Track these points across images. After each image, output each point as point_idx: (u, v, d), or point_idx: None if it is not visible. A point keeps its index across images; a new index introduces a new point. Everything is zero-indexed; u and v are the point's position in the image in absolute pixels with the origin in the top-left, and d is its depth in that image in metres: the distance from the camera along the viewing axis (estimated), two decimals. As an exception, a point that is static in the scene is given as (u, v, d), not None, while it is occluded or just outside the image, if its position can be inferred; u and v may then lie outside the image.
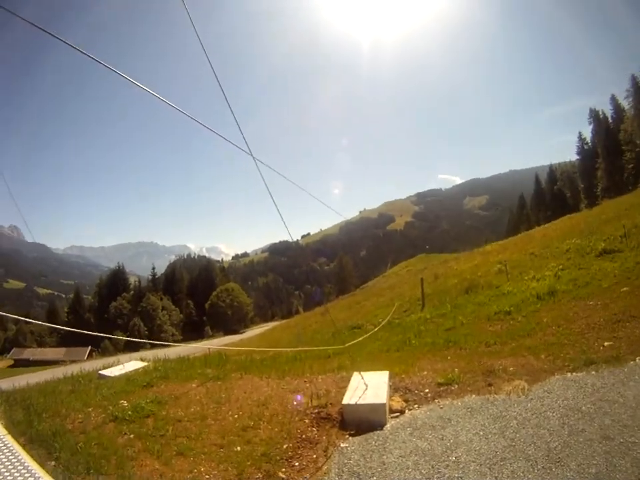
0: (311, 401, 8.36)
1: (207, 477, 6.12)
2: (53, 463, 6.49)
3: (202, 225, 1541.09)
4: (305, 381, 10.17)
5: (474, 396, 7.84)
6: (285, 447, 6.82)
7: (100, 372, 14.24)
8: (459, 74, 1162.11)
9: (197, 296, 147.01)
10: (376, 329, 13.85)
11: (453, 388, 8.33)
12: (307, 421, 7.67)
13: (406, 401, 7.97)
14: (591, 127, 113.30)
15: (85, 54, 4.91)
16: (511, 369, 8.93)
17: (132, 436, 7.53)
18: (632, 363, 8.13)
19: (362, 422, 7.17)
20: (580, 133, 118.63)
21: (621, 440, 5.60)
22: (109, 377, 13.30)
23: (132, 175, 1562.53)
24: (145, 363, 15.23)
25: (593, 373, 8.04)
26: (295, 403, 8.76)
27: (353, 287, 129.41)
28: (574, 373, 8.18)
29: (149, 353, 64.03)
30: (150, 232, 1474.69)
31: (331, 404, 8.13)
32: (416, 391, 8.40)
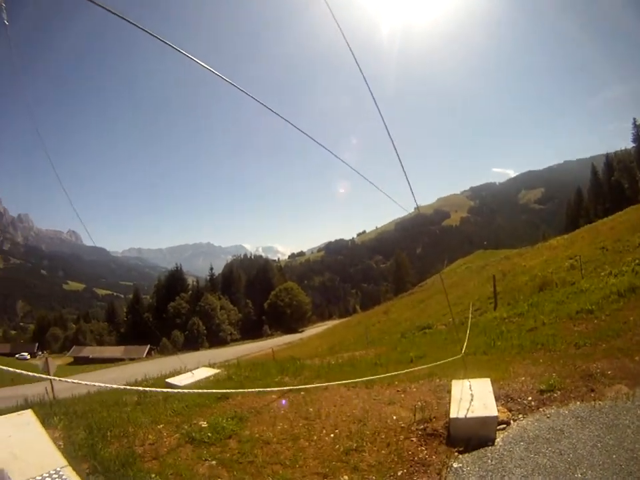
0: (415, 415, 7.76)
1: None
2: None
3: (258, 225, 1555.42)
4: (398, 391, 9.63)
5: (578, 403, 7.41)
6: (399, 473, 6.12)
7: (167, 380, 13.65)
8: (506, 61, 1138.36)
9: (254, 295, 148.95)
10: (467, 332, 13.33)
11: (555, 395, 7.87)
12: (414, 439, 7.04)
13: (509, 410, 7.54)
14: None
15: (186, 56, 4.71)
16: (609, 372, 8.49)
17: (214, 462, 6.66)
18: None
19: (471, 437, 6.66)
20: (634, 119, 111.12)
21: None
22: (178, 386, 12.78)
23: (189, 177, 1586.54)
24: (216, 370, 14.72)
25: (695, 375, 7.55)
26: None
27: (411, 285, 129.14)
28: (673, 376, 7.72)
29: (209, 353, 64.48)
30: (206, 233, 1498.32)
31: (434, 417, 7.60)
32: (518, 399, 7.94)
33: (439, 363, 9.61)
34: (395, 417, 7.94)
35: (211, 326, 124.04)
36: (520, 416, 7.36)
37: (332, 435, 7.47)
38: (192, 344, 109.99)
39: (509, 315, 19.53)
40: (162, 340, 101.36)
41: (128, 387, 3.43)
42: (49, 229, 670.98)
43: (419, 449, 6.75)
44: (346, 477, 6.07)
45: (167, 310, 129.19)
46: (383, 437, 7.21)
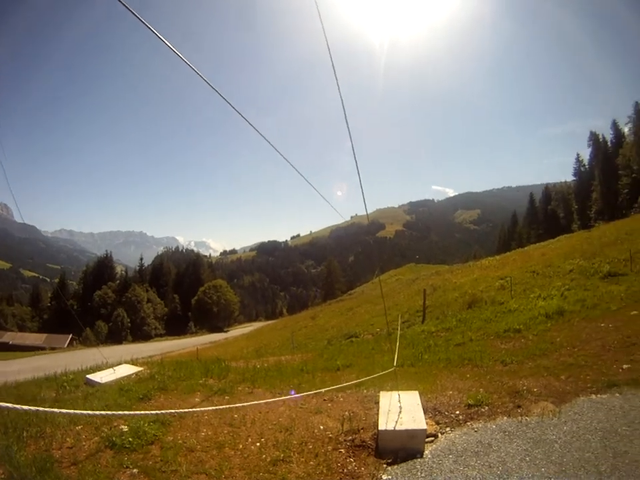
0: (343, 426, 7.60)
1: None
2: None
3: (192, 218, 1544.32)
4: (325, 400, 9.47)
5: (505, 418, 7.52)
6: (329, 486, 5.95)
7: (87, 376, 12.76)
8: (459, 85, 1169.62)
9: (182, 290, 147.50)
10: (398, 344, 13.25)
11: (483, 409, 7.96)
12: (342, 450, 6.87)
13: (437, 423, 7.51)
14: (589, 149, 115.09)
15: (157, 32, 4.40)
16: (535, 389, 8.74)
17: (135, 470, 6.19)
18: (654, 386, 8.16)
19: (400, 449, 6.57)
20: (578, 154, 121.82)
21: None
22: (98, 383, 12.02)
23: (126, 162, 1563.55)
24: (139, 368, 14.03)
25: (617, 395, 8.05)
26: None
27: (340, 293, 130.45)
28: (598, 395, 8.17)
29: (132, 347, 63.36)
30: (139, 222, 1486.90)
31: (362, 428, 7.46)
32: (446, 413, 7.96)
33: (373, 376, 9.45)
34: (322, 427, 7.79)
35: (136, 319, 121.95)
36: (448, 429, 7.36)
37: (258, 444, 7.20)
38: (115, 336, 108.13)
39: (437, 329, 19.75)
40: (85, 330, 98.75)
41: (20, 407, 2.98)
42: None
43: (348, 460, 6.59)
44: (273, 489, 5.71)
45: (92, 298, 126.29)
46: (311, 447, 7.02)
